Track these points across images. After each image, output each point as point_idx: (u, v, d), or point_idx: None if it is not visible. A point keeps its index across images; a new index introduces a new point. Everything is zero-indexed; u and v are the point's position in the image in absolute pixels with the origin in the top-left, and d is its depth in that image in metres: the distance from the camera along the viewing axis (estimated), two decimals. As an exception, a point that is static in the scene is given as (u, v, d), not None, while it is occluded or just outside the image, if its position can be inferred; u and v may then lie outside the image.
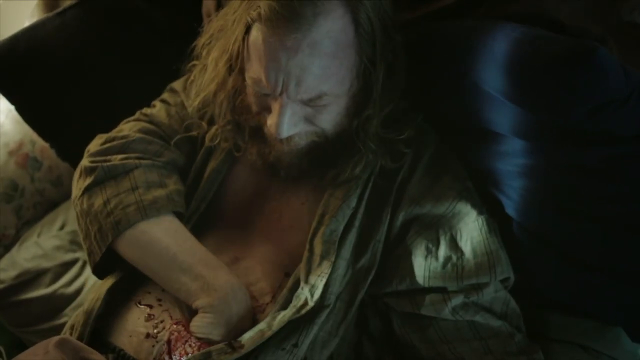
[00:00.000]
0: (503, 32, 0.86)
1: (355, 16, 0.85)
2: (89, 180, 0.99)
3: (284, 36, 0.83)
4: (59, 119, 1.34)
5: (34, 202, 1.50)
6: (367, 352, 0.94)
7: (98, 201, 0.97)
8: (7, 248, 1.45)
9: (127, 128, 1.07)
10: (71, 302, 1.30)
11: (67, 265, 1.35)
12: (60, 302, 1.32)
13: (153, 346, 0.88)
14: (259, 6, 0.84)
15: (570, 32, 0.90)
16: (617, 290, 0.94)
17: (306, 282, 0.89)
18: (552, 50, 0.81)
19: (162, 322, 0.91)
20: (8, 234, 1.47)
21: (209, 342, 0.88)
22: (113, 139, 1.04)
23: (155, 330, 0.90)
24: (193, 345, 0.88)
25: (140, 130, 1.05)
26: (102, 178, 0.99)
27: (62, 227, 1.41)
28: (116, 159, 1.00)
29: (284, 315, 0.86)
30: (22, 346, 1.34)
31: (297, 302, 0.87)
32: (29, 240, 1.42)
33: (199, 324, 0.89)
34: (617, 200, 0.90)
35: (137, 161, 1.00)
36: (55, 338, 0.88)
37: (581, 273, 0.94)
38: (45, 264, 1.36)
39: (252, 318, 0.92)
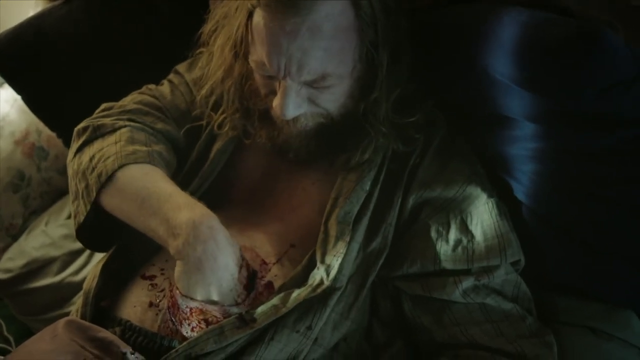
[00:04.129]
0: (509, 16, 0.86)
1: None
2: (80, 141, 1.01)
3: (283, 21, 0.83)
4: (65, 107, 1.35)
5: (40, 192, 1.51)
6: (377, 335, 0.95)
7: (85, 158, 0.98)
8: (15, 237, 1.46)
9: (129, 99, 1.10)
10: (79, 291, 1.31)
11: (74, 254, 1.36)
12: (68, 291, 1.33)
13: (157, 314, 0.88)
14: None
15: (577, 18, 0.90)
16: (627, 273, 0.94)
17: (322, 262, 0.89)
18: (557, 33, 0.80)
19: (162, 290, 0.91)
20: (15, 223, 1.48)
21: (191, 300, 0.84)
22: (112, 107, 1.07)
23: (157, 300, 0.90)
24: (185, 309, 0.85)
25: (140, 102, 1.08)
26: (92, 137, 1.00)
27: (69, 216, 1.42)
28: (107, 119, 1.02)
29: (299, 294, 0.86)
30: (31, 335, 1.34)
31: (312, 282, 0.87)
32: (36, 229, 1.43)
33: (176, 276, 0.85)
34: (627, 183, 0.90)
35: (127, 122, 1.02)
36: (62, 320, 0.89)
37: (591, 256, 0.94)
38: (53, 252, 1.37)
39: (236, 261, 0.86)
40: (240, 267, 0.87)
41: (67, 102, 1.34)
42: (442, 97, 1.02)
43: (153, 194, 0.89)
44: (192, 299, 0.84)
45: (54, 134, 1.42)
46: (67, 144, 1.37)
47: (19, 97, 1.38)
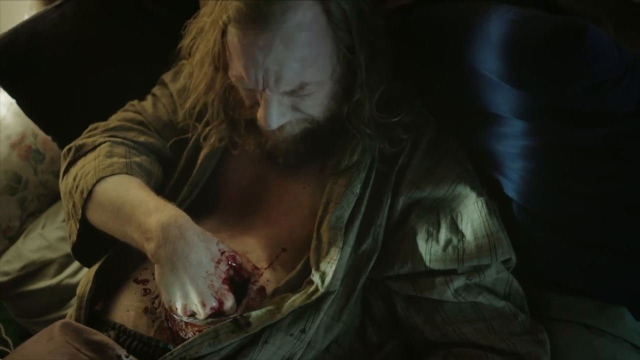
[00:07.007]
0: (497, 13, 0.86)
1: (324, 6, 0.85)
2: (66, 162, 1.04)
3: (255, 36, 0.83)
4: (60, 111, 1.35)
5: (37, 194, 1.51)
6: (370, 336, 0.95)
7: (70, 179, 1.00)
8: (12, 240, 1.47)
9: (113, 118, 1.11)
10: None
11: (71, 257, 1.36)
12: (65, 293, 1.33)
13: (153, 321, 0.89)
14: (228, 9, 0.85)
15: (565, 14, 0.90)
16: (619, 269, 0.94)
17: (317, 269, 0.89)
18: (544, 29, 0.80)
19: (157, 297, 0.91)
20: (12, 225, 1.48)
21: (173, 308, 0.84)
22: (97, 127, 1.09)
23: (153, 305, 0.91)
24: (180, 323, 0.85)
25: (123, 119, 1.09)
26: (75, 157, 1.03)
27: (66, 219, 1.42)
28: (89, 139, 1.04)
29: (294, 301, 0.86)
30: (29, 337, 1.34)
31: (307, 288, 0.88)
32: (33, 232, 1.43)
33: (156, 280, 0.85)
34: (617, 179, 0.90)
35: (108, 138, 1.04)
36: (58, 323, 0.90)
37: (582, 252, 0.94)
38: (50, 255, 1.37)
39: (210, 257, 0.85)
40: (218, 262, 0.86)
41: (61, 106, 1.34)
42: (430, 95, 1.02)
43: (126, 202, 0.90)
44: (177, 314, 0.84)
45: (50, 137, 1.43)
46: (62, 147, 1.38)
47: (14, 101, 1.38)
